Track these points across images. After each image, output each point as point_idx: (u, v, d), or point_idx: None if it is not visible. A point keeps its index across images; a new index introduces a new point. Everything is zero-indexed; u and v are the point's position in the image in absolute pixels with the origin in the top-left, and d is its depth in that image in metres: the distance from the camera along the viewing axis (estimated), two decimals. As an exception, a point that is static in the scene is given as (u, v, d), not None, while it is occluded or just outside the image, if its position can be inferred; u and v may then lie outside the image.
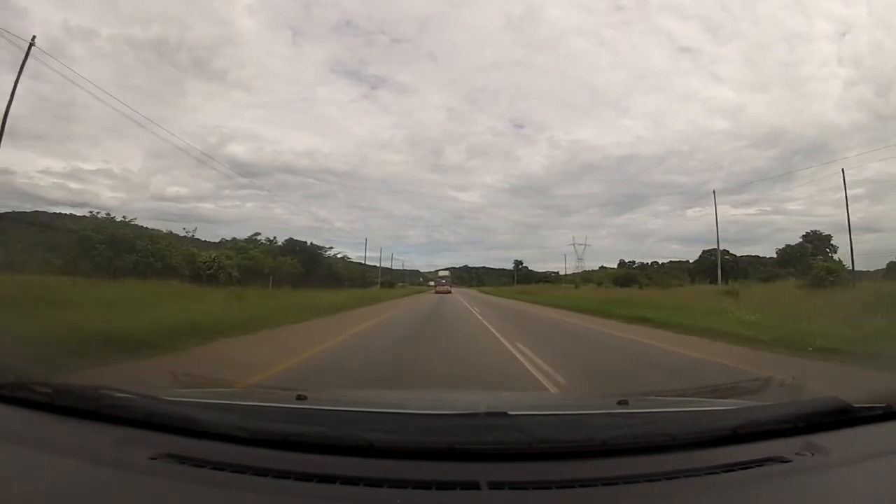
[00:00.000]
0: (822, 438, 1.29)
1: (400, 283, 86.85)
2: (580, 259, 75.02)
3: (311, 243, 43.45)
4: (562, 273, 78.30)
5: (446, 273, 72.22)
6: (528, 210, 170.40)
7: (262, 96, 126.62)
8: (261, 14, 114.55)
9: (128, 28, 78.33)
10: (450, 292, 53.57)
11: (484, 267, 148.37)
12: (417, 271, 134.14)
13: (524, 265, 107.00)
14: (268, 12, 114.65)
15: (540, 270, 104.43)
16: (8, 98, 15.23)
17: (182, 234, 31.07)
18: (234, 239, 37.85)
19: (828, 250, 41.40)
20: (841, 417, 1.38)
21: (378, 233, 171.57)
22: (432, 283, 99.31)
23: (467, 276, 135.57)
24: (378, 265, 67.55)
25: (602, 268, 76.12)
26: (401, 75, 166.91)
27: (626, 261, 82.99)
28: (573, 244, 77.85)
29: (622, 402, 1.62)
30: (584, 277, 66.24)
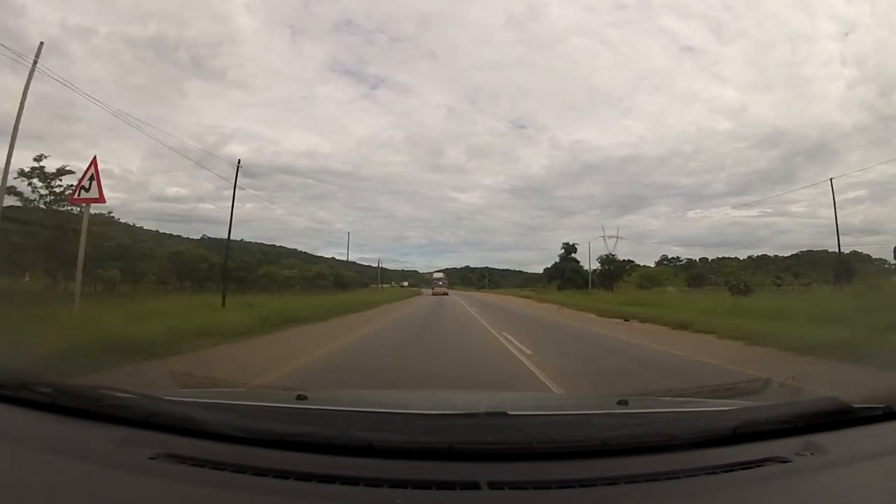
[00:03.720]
0: (822, 438, 1.29)
1: (374, 285, 67.98)
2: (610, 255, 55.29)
3: None
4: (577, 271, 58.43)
5: (441, 275, 67.80)
6: (528, 211, 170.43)
7: (261, 95, 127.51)
8: (259, 11, 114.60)
9: (125, 26, 78.43)
10: (446, 293, 52.19)
11: (487, 267, 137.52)
12: (416, 271, 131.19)
13: (575, 256, 60.60)
14: (266, 10, 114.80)
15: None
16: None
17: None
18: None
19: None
20: (841, 417, 1.38)
21: (378, 234, 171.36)
22: (406, 284, 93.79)
23: (473, 277, 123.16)
24: (376, 265, 62.84)
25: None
26: (401, 75, 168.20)
27: (671, 257, 67.09)
28: (603, 236, 58.79)
29: (622, 402, 1.62)
30: (647, 277, 51.47)
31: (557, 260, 63.90)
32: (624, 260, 57.64)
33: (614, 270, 54.90)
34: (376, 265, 74.57)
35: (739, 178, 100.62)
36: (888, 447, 1.30)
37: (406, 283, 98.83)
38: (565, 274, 60.21)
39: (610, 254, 56.14)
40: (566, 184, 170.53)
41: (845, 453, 1.25)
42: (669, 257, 67.98)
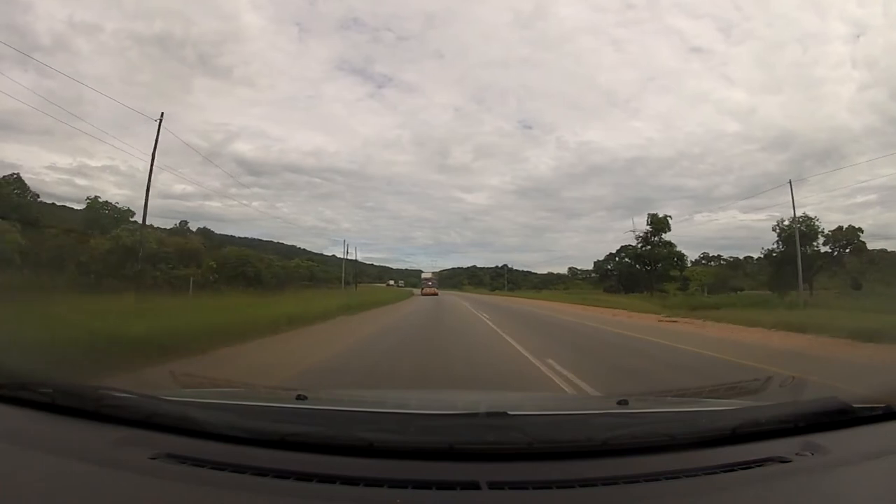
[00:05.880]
0: (822, 438, 1.29)
1: (363, 283, 61.06)
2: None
3: None
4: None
5: (429, 275, 64.55)
6: (534, 213, 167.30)
7: (267, 93, 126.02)
8: (266, 9, 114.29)
9: (132, 23, 78.21)
10: (436, 293, 50.65)
11: (506, 266, 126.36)
12: (421, 271, 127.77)
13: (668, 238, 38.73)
14: (273, 7, 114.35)
15: (542, 273, 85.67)
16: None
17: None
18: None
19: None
20: (841, 417, 1.38)
21: (384, 233, 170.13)
22: (391, 283, 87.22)
23: (484, 276, 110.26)
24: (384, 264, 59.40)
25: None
26: (407, 74, 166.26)
27: (711, 255, 51.41)
28: (633, 231, 44.10)
29: (622, 402, 1.62)
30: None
31: (634, 242, 39.66)
32: (859, 228, 29.29)
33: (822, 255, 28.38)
34: (384, 265, 70.87)
35: (748, 181, 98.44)
36: (888, 447, 1.30)
37: (392, 282, 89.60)
38: (657, 266, 36.06)
39: (658, 230, 35.32)
40: (573, 185, 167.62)
41: (845, 453, 1.25)
42: (710, 255, 51.27)
